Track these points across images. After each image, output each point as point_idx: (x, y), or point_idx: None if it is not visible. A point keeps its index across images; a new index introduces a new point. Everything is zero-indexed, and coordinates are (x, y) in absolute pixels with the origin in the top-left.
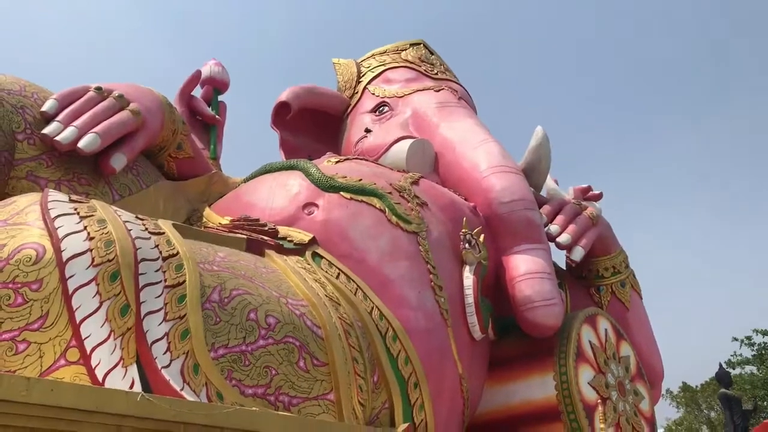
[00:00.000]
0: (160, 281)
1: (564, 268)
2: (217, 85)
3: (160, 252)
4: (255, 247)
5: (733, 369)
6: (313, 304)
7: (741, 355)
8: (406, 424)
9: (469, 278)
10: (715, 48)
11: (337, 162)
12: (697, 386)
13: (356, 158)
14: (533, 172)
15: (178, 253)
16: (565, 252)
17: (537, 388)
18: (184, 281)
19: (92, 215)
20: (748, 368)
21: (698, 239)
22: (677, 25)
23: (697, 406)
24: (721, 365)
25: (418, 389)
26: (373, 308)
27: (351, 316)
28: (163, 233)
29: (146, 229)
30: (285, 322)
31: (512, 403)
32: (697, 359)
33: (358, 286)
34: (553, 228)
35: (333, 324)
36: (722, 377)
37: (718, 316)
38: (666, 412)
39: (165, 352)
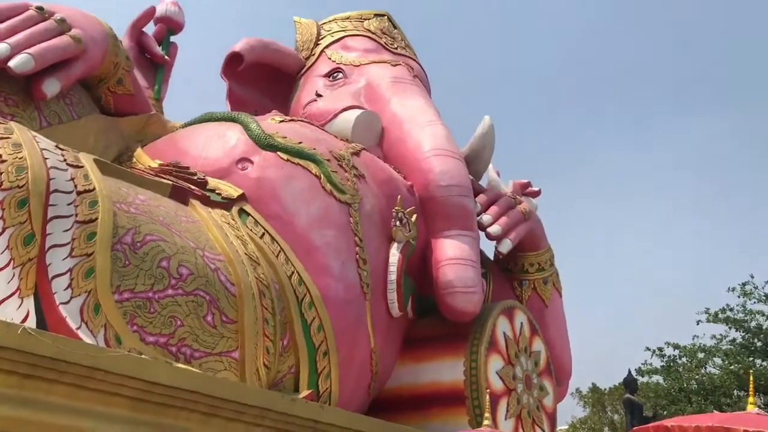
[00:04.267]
0: (71, 215)
1: (491, 258)
2: (171, 25)
3: (75, 185)
4: (179, 195)
5: (642, 377)
6: (230, 260)
7: (651, 364)
8: (309, 391)
9: (395, 255)
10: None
11: (281, 121)
12: (605, 389)
13: (301, 120)
14: (475, 160)
15: (94, 189)
16: (494, 243)
17: (446, 371)
18: (97, 219)
19: (8, 137)
20: (656, 378)
21: (635, 244)
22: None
23: (603, 408)
24: (629, 371)
25: (327, 358)
26: (293, 273)
27: (269, 278)
28: (82, 167)
29: (65, 160)
30: (198, 275)
31: (420, 383)
32: (610, 364)
33: (281, 248)
34: (486, 218)
35: (248, 283)
36: (629, 383)
37: (637, 323)
38: (573, 410)
39: (66, 288)
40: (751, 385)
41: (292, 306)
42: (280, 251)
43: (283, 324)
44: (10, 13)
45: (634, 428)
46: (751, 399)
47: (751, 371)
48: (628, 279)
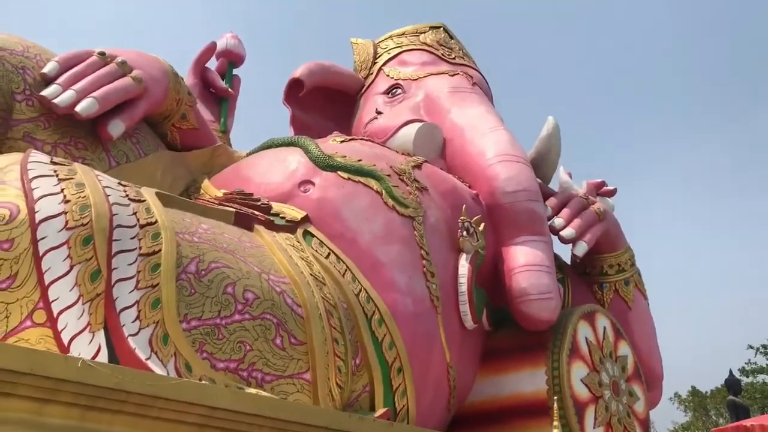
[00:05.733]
0: (135, 249)
1: (568, 263)
2: (232, 58)
3: (138, 219)
4: (243, 221)
5: (746, 377)
6: (296, 281)
7: (755, 363)
8: (385, 409)
9: (464, 266)
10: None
11: (341, 141)
12: (706, 392)
13: (361, 139)
14: (542, 163)
15: (156, 221)
16: (570, 246)
17: (527, 382)
18: (160, 250)
19: (71, 178)
20: (761, 377)
21: (722, 244)
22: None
23: (706, 412)
24: (731, 372)
25: (402, 374)
26: (360, 290)
27: (335, 297)
28: (144, 201)
29: (126, 195)
30: (264, 298)
31: (502, 395)
32: (710, 365)
33: (347, 267)
34: (557, 221)
35: (315, 303)
36: (732, 384)
37: (735, 322)
38: (673, 415)
39: (134, 320)
40: None
41: (361, 324)
42: (346, 270)
43: (353, 343)
44: (75, 61)
45: (714, 429)
46: None
47: None
48: (727, 275)
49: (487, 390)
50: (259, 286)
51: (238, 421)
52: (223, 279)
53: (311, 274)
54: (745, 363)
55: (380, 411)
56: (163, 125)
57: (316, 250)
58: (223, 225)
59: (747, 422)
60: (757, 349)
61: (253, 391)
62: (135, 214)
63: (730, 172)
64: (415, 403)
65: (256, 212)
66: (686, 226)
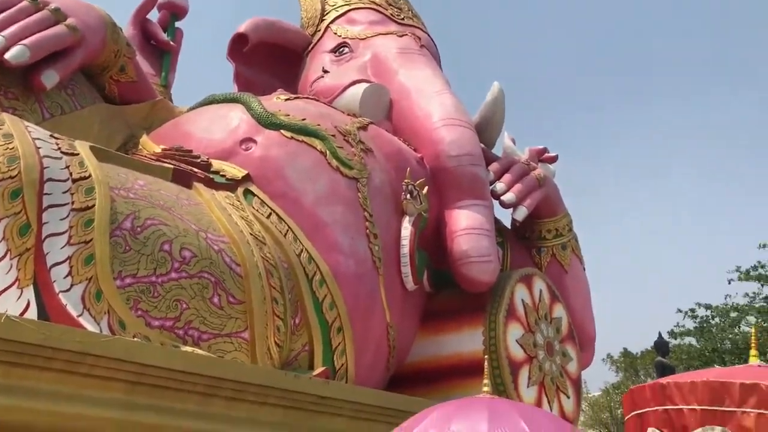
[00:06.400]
0: (67, 203)
1: (508, 227)
2: (174, 10)
3: (71, 173)
4: (182, 179)
5: (674, 339)
6: (235, 240)
7: (683, 326)
8: (324, 368)
9: (407, 229)
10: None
11: (286, 99)
12: (637, 353)
13: (306, 98)
14: (487, 128)
15: (90, 176)
16: (510, 211)
17: (466, 342)
18: (94, 205)
19: None
20: (688, 339)
21: (653, 210)
22: None
23: (635, 372)
24: (660, 334)
25: (341, 334)
26: (302, 251)
27: (276, 257)
28: (77, 154)
29: (59, 148)
30: (202, 256)
31: (441, 355)
32: (642, 327)
33: (289, 227)
34: (499, 186)
35: (254, 262)
36: (660, 346)
37: (666, 287)
38: (605, 375)
39: (66, 276)
40: (753, 338)
41: (302, 284)
42: (287, 230)
43: (293, 303)
44: (3, 6)
45: (632, 387)
46: (753, 352)
47: (753, 324)
48: (658, 242)
49: (426, 350)
50: (196, 245)
51: (171, 379)
52: (159, 236)
53: (251, 234)
54: (674, 326)
55: (318, 370)
56: (101, 77)
57: (257, 210)
58: (160, 182)
59: (664, 380)
60: (686, 313)
61: (188, 349)
62: (68, 167)
63: (662, 146)
64: (354, 363)
65: (196, 169)
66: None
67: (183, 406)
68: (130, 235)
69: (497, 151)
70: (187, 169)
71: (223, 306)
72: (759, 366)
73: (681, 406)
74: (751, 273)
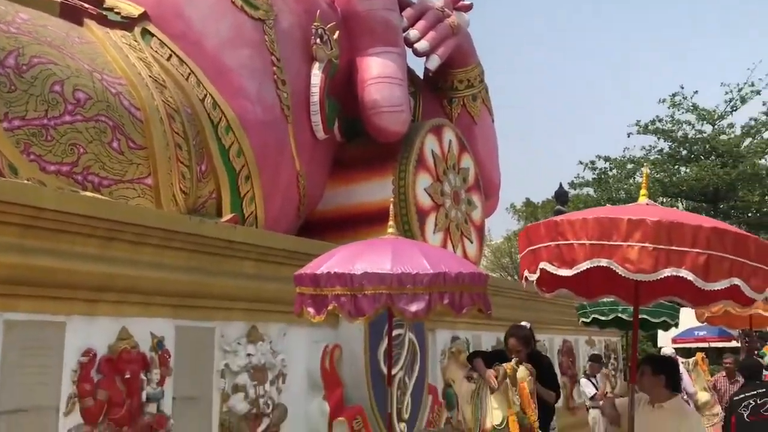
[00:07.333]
0: None
1: (421, 77)
2: None
3: None
4: (71, 14)
5: (574, 189)
6: (133, 83)
7: (583, 177)
8: (232, 215)
9: (317, 76)
10: None
11: None
12: (538, 203)
13: None
14: None
15: None
16: (423, 60)
17: (376, 191)
18: None
19: None
20: (587, 190)
21: (570, 59)
22: None
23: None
24: (561, 185)
25: (250, 182)
26: (206, 96)
27: (178, 101)
28: None
29: None
30: (97, 99)
31: (351, 204)
32: (544, 178)
33: (191, 70)
34: (413, 33)
35: (154, 106)
36: (560, 195)
37: (569, 140)
38: (507, 223)
39: None
40: (645, 179)
41: (207, 130)
42: (190, 74)
43: (198, 149)
44: None
45: (528, 225)
46: (643, 191)
47: (645, 165)
48: (566, 95)
49: (336, 199)
50: (91, 86)
51: (68, 222)
52: (48, 76)
53: (150, 76)
54: (575, 177)
55: (227, 216)
56: None
57: (156, 51)
58: (46, 16)
59: (557, 217)
60: (586, 165)
61: (88, 194)
62: None
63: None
64: (263, 210)
65: (86, 5)
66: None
67: (83, 250)
68: (15, 73)
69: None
70: (77, 3)
71: (123, 151)
72: (647, 204)
73: (572, 242)
74: (649, 127)
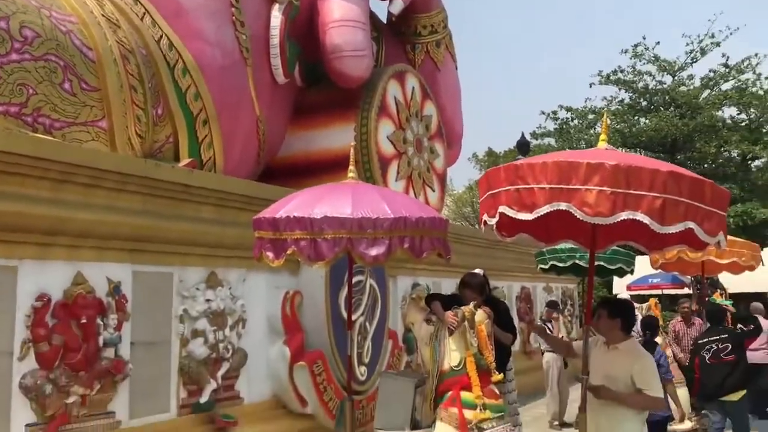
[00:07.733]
0: None
1: (384, 21)
2: None
3: None
4: None
5: (536, 140)
6: (84, 22)
7: (545, 128)
8: (190, 159)
9: (277, 18)
10: None
11: None
12: (500, 152)
13: None
14: None
15: None
16: (386, 4)
17: (337, 137)
18: None
19: None
20: (548, 140)
21: (536, 11)
22: None
23: None
24: (523, 134)
25: (208, 126)
26: (162, 37)
27: (132, 42)
28: None
29: None
30: (47, 37)
31: (312, 150)
32: (507, 128)
33: (146, 10)
34: None
35: (108, 47)
36: (521, 145)
37: (532, 89)
38: (470, 173)
39: None
40: (605, 125)
41: (163, 73)
42: (144, 13)
43: (154, 92)
44: None
45: (488, 170)
46: (603, 136)
47: (604, 111)
48: (527, 45)
49: (297, 145)
50: (39, 24)
51: (16, 164)
52: None
53: (103, 15)
54: (537, 127)
55: (185, 161)
56: None
57: None
58: None
59: (518, 162)
60: (548, 115)
61: (39, 136)
62: None
63: None
64: (223, 155)
65: None
66: None
67: (34, 192)
68: None
69: None
70: None
71: (75, 93)
72: (606, 149)
73: (532, 185)
74: (611, 77)
